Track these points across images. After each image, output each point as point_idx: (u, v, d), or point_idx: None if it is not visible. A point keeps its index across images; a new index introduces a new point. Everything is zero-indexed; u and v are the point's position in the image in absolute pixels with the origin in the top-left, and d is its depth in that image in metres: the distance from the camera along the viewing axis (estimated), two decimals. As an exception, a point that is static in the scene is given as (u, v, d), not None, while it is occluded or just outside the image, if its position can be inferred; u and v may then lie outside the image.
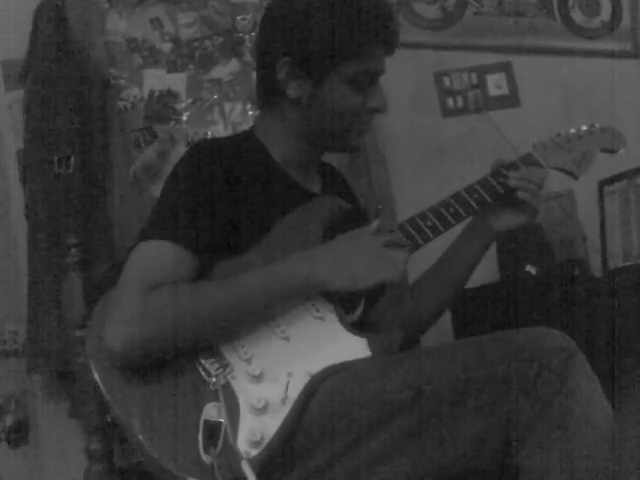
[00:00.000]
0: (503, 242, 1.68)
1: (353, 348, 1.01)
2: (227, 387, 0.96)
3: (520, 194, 1.13)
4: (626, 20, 2.11)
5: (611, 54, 2.09)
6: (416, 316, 1.23)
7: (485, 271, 1.27)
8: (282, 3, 1.13)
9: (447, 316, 1.60)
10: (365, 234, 1.05)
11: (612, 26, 2.11)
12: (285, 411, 0.95)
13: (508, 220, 1.17)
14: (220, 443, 0.91)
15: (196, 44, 1.92)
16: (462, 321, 1.65)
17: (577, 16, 2.10)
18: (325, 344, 1.01)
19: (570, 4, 2.10)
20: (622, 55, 2.10)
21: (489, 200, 1.13)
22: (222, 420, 0.92)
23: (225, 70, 1.92)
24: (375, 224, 1.07)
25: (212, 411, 0.93)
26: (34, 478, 1.79)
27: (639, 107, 2.03)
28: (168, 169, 1.14)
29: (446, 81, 2.02)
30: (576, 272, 1.65)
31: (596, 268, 1.73)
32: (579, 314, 1.47)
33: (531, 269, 1.67)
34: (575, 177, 1.22)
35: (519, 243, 1.69)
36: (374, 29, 1.09)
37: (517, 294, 1.60)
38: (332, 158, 1.66)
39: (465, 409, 0.92)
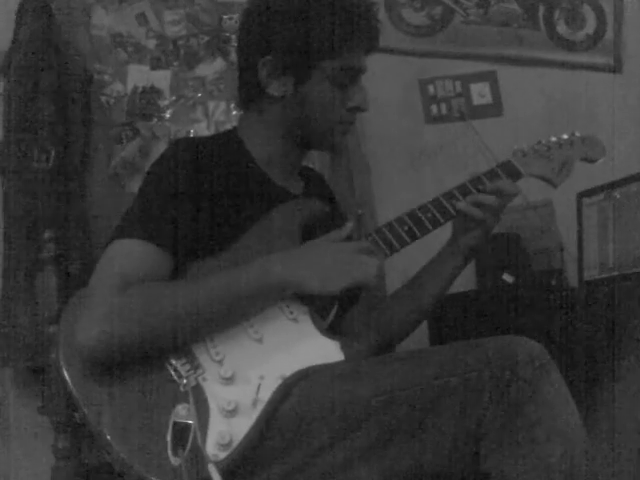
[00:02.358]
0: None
1: (326, 351, 1.00)
2: (197, 389, 0.96)
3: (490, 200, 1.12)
4: (610, 34, 2.13)
5: (594, 67, 2.11)
6: (393, 326, 1.23)
7: (462, 279, 1.28)
8: (262, 2, 1.13)
9: (423, 322, 1.60)
10: (339, 237, 1.05)
11: (596, 40, 2.13)
12: (255, 414, 0.94)
13: (470, 237, 1.17)
14: (189, 445, 0.90)
15: (181, 42, 1.91)
16: (438, 328, 1.65)
17: (562, 28, 2.12)
18: (298, 346, 1.00)
19: (555, 16, 2.12)
20: (604, 69, 2.12)
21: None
22: (191, 422, 0.91)
23: (210, 69, 1.91)
24: (348, 226, 1.07)
25: (182, 412, 0.92)
26: (2, 473, 1.77)
27: (619, 121, 2.05)
28: (149, 165, 1.13)
29: (430, 88, 2.03)
30: (552, 282, 1.67)
31: (572, 279, 1.74)
32: (554, 324, 1.48)
33: (508, 278, 1.69)
34: (554, 186, 1.23)
35: (497, 252, 1.70)
36: (355, 26, 1.09)
37: (493, 302, 1.61)
38: (315, 162, 1.66)
39: (437, 415, 0.92)
